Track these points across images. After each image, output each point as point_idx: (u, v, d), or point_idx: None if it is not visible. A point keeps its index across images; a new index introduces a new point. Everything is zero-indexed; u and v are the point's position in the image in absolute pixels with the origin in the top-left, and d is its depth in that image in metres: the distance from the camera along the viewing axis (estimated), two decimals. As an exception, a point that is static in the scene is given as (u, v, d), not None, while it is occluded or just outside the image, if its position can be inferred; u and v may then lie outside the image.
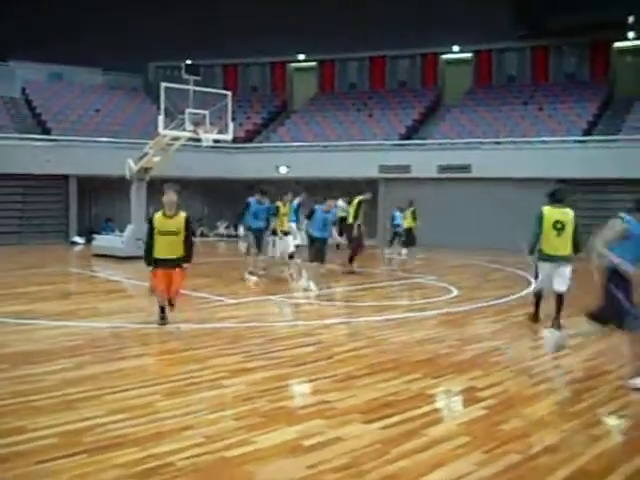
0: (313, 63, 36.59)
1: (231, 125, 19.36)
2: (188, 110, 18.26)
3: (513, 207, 22.95)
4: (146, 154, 19.26)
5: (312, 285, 13.30)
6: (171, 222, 9.34)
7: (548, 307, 10.25)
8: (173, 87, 18.92)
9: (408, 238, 20.31)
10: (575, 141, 25.83)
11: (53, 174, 25.45)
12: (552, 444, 5.27)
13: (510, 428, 5.60)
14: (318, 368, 7.37)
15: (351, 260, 16.74)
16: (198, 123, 18.46)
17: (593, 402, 6.38)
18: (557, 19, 29.68)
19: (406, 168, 26.55)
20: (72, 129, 27.73)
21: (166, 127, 18.21)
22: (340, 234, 16.05)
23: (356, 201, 17.47)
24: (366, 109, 32.76)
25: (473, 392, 6.63)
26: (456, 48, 33.55)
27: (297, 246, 16.97)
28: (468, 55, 33.93)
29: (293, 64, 36.93)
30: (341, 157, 27.87)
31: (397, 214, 21.39)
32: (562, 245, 9.75)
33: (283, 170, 28.46)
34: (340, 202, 22.58)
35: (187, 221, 9.42)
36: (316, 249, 13.68)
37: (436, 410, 6.03)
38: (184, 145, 20.06)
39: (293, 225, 18.57)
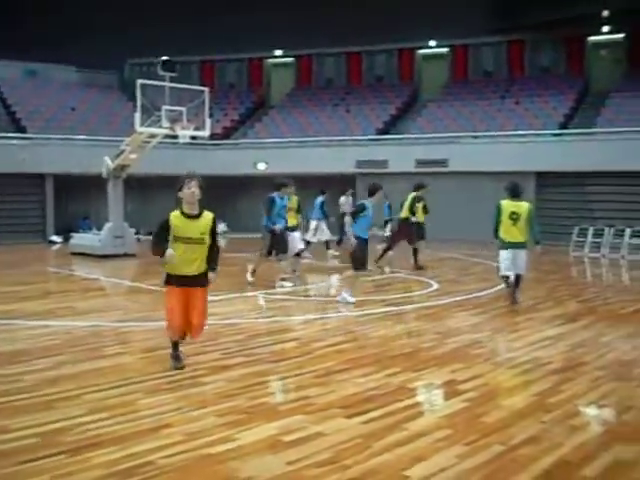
0: (290, 59, 36.55)
1: (208, 121, 19.27)
2: (165, 107, 18.15)
3: (491, 200, 22.87)
4: (123, 152, 19.13)
5: (349, 297, 11.31)
6: (194, 225, 6.93)
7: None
8: (149, 84, 18.81)
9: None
10: (552, 134, 26.01)
11: (29, 173, 25.22)
12: (532, 435, 5.30)
13: (491, 420, 5.62)
14: (298, 364, 7.35)
15: (381, 256, 16.23)
16: (175, 120, 18.36)
17: (573, 393, 6.42)
18: (532, 13, 29.81)
19: (383, 163, 26.61)
20: (48, 127, 27.49)
21: (143, 124, 18.09)
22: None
23: (410, 197, 16.68)
24: (343, 104, 32.79)
25: (454, 385, 6.66)
26: (432, 43, 33.65)
27: (308, 242, 17.56)
28: (444, 50, 34.04)
29: (270, 60, 36.87)
30: (319, 152, 27.85)
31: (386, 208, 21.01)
32: (517, 233, 11.13)
33: (261, 166, 28.41)
34: (342, 198, 22.59)
35: (214, 223, 7.11)
36: (362, 253, 11.44)
37: (417, 404, 6.05)
38: (161, 142, 19.94)
39: (314, 222, 19.29)
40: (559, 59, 32.03)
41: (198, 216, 7.00)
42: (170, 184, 25.43)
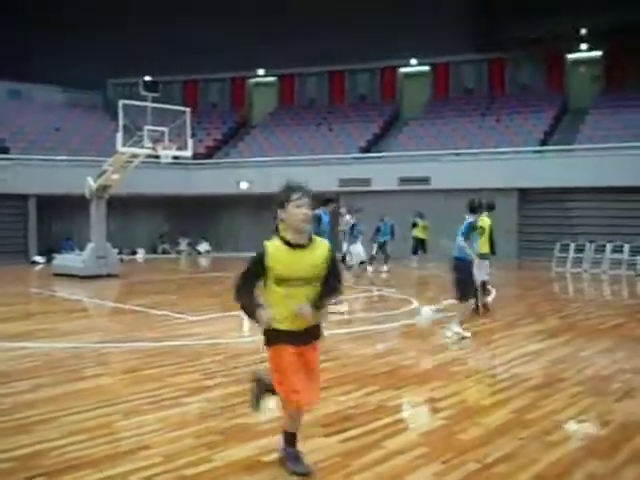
0: (272, 78, 36.72)
1: (190, 142, 19.33)
2: (147, 127, 18.21)
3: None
4: (105, 172, 19.15)
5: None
6: (305, 259, 4.72)
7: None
8: (131, 104, 18.86)
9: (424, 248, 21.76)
10: (532, 151, 26.23)
11: (12, 193, 25.18)
12: (509, 452, 5.33)
13: (468, 437, 5.65)
14: (279, 383, 7.36)
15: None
16: (157, 140, 18.43)
17: (551, 409, 6.46)
18: (512, 32, 30.18)
19: (366, 181, 26.74)
20: (31, 147, 27.49)
21: (125, 144, 18.13)
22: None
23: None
24: (326, 123, 32.96)
25: (432, 403, 6.69)
26: (414, 62, 33.91)
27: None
28: (426, 68, 34.32)
29: (252, 79, 37.02)
30: (302, 171, 27.73)
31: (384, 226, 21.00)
32: (482, 245, 11.98)
33: (244, 186, 28.47)
34: (347, 217, 22.67)
35: (332, 254, 4.92)
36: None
37: (395, 422, 6.06)
38: (143, 162, 19.98)
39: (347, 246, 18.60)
40: (539, 77, 32.39)
41: (309, 246, 4.72)
42: (153, 204, 25.68)
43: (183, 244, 30.33)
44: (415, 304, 13.59)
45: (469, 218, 10.79)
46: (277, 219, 4.80)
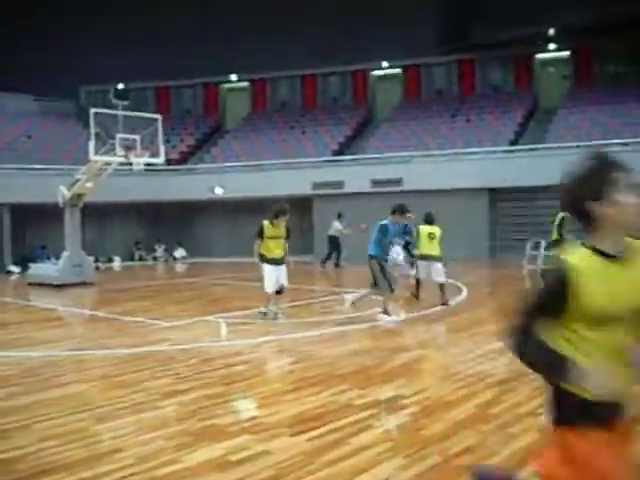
0: (245, 83, 36.85)
1: (162, 148, 19.44)
2: (119, 135, 18.30)
3: (446, 218, 23.38)
4: (78, 180, 19.20)
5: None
6: (628, 278, 2.80)
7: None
8: (103, 112, 18.94)
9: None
10: (502, 151, 26.57)
11: (-15, 203, 25.15)
12: (471, 445, 5.52)
13: (431, 432, 5.84)
14: (248, 386, 7.54)
15: None
16: (129, 148, 18.51)
17: (512, 403, 6.66)
18: (481, 33, 30.53)
19: (339, 184, 26.95)
20: (3, 156, 27.39)
21: (97, 152, 18.20)
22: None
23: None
24: (299, 127, 33.14)
25: (398, 400, 6.88)
26: (385, 64, 34.18)
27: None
28: (397, 71, 34.61)
29: (225, 85, 37.13)
30: (275, 175, 28.12)
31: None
32: (433, 249, 13.90)
33: (218, 191, 28.59)
34: (336, 222, 22.94)
35: None
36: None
37: (361, 420, 6.23)
38: (117, 169, 20.05)
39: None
40: (508, 77, 32.81)
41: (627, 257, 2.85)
42: (128, 211, 25.66)
43: (159, 250, 30.39)
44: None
45: (385, 220, 12.10)
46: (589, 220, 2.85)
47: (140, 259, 29.80)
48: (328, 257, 23.20)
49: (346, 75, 35.34)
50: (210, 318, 12.58)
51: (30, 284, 19.91)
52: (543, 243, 22.13)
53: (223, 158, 31.18)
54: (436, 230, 14.17)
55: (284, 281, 11.90)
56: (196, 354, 9.33)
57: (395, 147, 28.53)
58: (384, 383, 7.54)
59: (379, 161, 27.45)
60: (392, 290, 12.17)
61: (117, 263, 28.80)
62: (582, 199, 2.87)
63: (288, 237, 12.19)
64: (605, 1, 26.81)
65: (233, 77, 36.36)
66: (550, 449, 2.94)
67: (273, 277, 11.72)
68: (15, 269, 25.26)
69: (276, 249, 11.82)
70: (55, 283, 19.13)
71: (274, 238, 11.78)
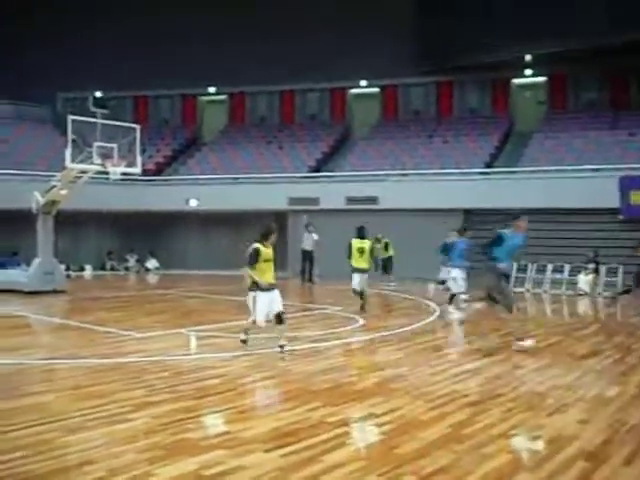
0: (223, 96, 36.83)
1: (139, 159, 19.35)
2: (96, 143, 18.18)
3: (420, 237, 23.59)
4: (53, 187, 19.04)
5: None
6: None
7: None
8: (80, 120, 18.81)
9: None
10: (478, 173, 26.78)
11: (-44, 207, 24.80)
12: (445, 464, 5.53)
13: (405, 451, 5.85)
14: (222, 400, 7.49)
15: None
16: (106, 156, 18.39)
17: (486, 423, 6.69)
18: (460, 57, 30.80)
19: (315, 200, 26.99)
20: (-24, 161, 27.12)
21: (74, 160, 18.07)
22: None
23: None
24: (276, 142, 33.18)
25: (372, 418, 6.88)
26: (364, 83, 34.35)
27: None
28: (375, 90, 34.78)
29: (204, 97, 37.08)
30: (251, 189, 28.11)
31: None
32: (363, 262, 15.41)
33: (193, 203, 28.51)
34: (314, 235, 22.92)
35: None
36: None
37: (335, 437, 6.22)
38: (92, 178, 19.92)
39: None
40: (485, 100, 33.10)
41: None
42: (101, 220, 25.45)
43: (131, 261, 30.17)
44: (360, 322, 13.82)
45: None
46: None
47: (112, 269, 29.57)
48: (309, 271, 23.24)
49: (325, 92, 35.43)
50: (183, 331, 12.51)
51: (0, 290, 19.64)
52: (515, 266, 22.31)
53: (199, 170, 31.10)
54: (366, 244, 15.49)
55: (280, 306, 10.41)
56: (169, 367, 9.26)
57: (371, 165, 28.64)
58: (358, 401, 7.53)
59: (355, 179, 27.53)
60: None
61: (88, 272, 28.56)
62: None
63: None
64: (580, 30, 27.19)
65: (212, 89, 36.31)
66: None
67: (267, 306, 10.35)
68: (-16, 275, 24.91)
69: (269, 273, 10.56)
70: (25, 290, 18.91)
71: (268, 261, 10.59)
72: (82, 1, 33.82)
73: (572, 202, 23.56)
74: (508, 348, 11.09)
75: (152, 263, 30.12)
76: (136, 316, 15.03)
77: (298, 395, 7.71)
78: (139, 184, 28.41)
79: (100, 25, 33.69)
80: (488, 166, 27.79)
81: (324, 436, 6.21)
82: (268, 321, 10.41)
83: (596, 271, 21.01)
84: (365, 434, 6.54)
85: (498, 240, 11.25)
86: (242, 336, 10.77)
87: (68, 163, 18.09)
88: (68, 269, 24.67)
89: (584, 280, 21.12)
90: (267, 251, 10.56)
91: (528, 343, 10.89)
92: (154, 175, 31.09)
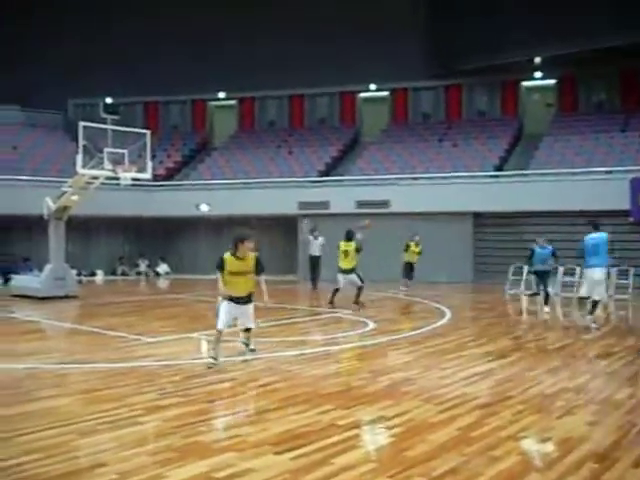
0: (233, 101, 36.94)
1: (150, 164, 19.44)
2: (107, 149, 18.29)
3: (430, 241, 23.57)
4: (64, 193, 19.15)
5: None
6: None
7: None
8: (91, 126, 18.93)
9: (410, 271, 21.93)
10: (488, 176, 26.76)
11: (-31, 213, 24.95)
12: (454, 466, 5.56)
13: (415, 454, 5.87)
14: (232, 403, 7.54)
15: None
16: (117, 162, 18.49)
17: (495, 425, 6.71)
18: (469, 59, 30.80)
19: (325, 204, 27.02)
20: (-12, 167, 27.26)
21: (85, 166, 18.18)
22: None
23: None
24: (286, 146, 33.23)
25: (382, 421, 6.90)
26: (373, 87, 34.37)
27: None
28: (385, 94, 34.80)
29: (213, 102, 37.20)
30: (261, 194, 28.16)
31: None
32: (347, 263, 16.70)
33: (204, 208, 28.57)
34: (320, 239, 22.83)
35: None
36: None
37: (345, 440, 6.25)
38: (104, 184, 20.02)
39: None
40: (494, 103, 33.04)
41: None
42: (112, 225, 25.55)
43: (142, 266, 30.26)
44: (371, 325, 13.85)
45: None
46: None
47: (123, 274, 29.66)
48: (315, 277, 23.05)
49: (334, 96, 35.45)
50: (194, 335, 12.56)
51: (13, 296, 19.77)
52: (525, 268, 22.27)
53: (209, 175, 31.19)
54: (350, 246, 16.65)
55: (250, 324, 9.90)
56: (180, 371, 9.31)
57: (381, 169, 28.67)
58: (368, 404, 7.55)
59: (365, 182, 27.56)
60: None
61: (100, 277, 28.66)
62: None
63: (260, 271, 9.73)
64: (588, 31, 27.14)
65: (221, 94, 36.41)
66: None
67: (230, 315, 9.61)
68: (-2, 280, 25.08)
69: (239, 287, 9.50)
70: (37, 295, 19.02)
71: (237, 274, 9.47)
72: (94, 5, 33.96)
73: (582, 204, 23.49)
74: (520, 350, 11.11)
75: (163, 268, 30.20)
76: (147, 321, 15.10)
77: (308, 398, 7.74)
78: (150, 189, 28.53)
79: (111, 30, 33.83)
80: (498, 169, 27.76)
81: (334, 439, 6.24)
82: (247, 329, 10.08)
83: (607, 274, 20.91)
84: (375, 437, 6.57)
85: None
86: (210, 353, 9.76)
87: (79, 169, 18.18)
88: (79, 274, 24.77)
89: (595, 283, 21.04)
90: (236, 263, 9.43)
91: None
92: (164, 180, 31.19)
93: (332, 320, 15.23)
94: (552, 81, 32.04)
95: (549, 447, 6.18)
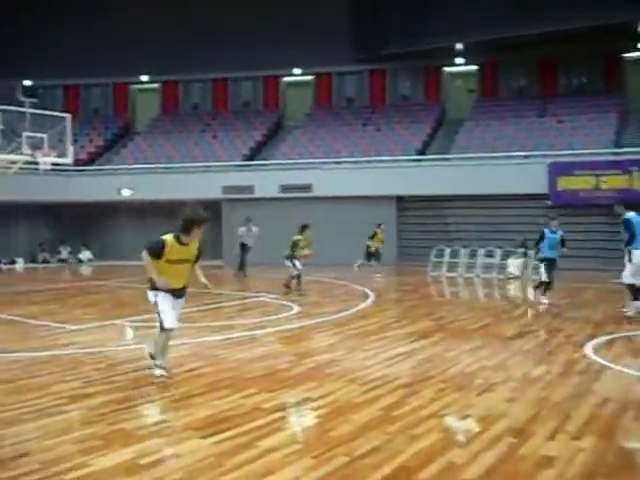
0: (156, 84, 36.43)
1: (71, 148, 19.13)
2: (25, 133, 17.87)
3: (355, 224, 23.87)
4: (-20, 179, 18.67)
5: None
6: None
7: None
8: (9, 110, 18.46)
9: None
10: (410, 160, 27.15)
11: None
12: (376, 445, 5.69)
13: (339, 434, 5.99)
14: (157, 389, 7.53)
15: None
16: (36, 146, 18.11)
17: (417, 404, 6.89)
18: (392, 45, 31.10)
19: (249, 188, 27.01)
20: None
21: (2, 150, 17.73)
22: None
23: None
24: (210, 130, 33.00)
25: (307, 403, 7.01)
26: (297, 71, 34.38)
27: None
28: (309, 78, 34.86)
29: (136, 85, 36.62)
30: (185, 179, 27.94)
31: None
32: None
33: (126, 192, 28.19)
34: (255, 229, 22.51)
35: None
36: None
37: (270, 422, 6.33)
38: (23, 168, 19.56)
39: None
40: (418, 88, 33.50)
41: None
42: (33, 211, 25.02)
43: (64, 252, 29.70)
44: (295, 309, 13.96)
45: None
46: None
47: (44, 261, 29.06)
48: (244, 264, 22.84)
49: (258, 80, 35.35)
50: (118, 322, 12.45)
51: None
52: (447, 251, 22.75)
53: (132, 159, 30.76)
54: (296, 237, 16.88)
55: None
56: (104, 358, 9.24)
57: (305, 153, 28.78)
58: (293, 386, 7.65)
59: (289, 167, 27.64)
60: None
61: (20, 265, 28.02)
62: None
63: (197, 259, 8.07)
64: (509, 19, 27.72)
65: (144, 78, 35.87)
66: None
67: (173, 309, 7.84)
68: None
69: (177, 277, 7.79)
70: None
71: (178, 262, 7.73)
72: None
73: (503, 188, 24.11)
74: (441, 331, 11.39)
75: (85, 255, 29.70)
76: (70, 308, 14.87)
77: (232, 383, 7.79)
78: (71, 174, 27.97)
79: (32, 11, 32.91)
80: (421, 153, 28.19)
81: (259, 422, 6.31)
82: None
83: (525, 255, 21.55)
84: (300, 418, 6.68)
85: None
86: (157, 362, 7.93)
87: (-4, 154, 17.74)
88: (-1, 262, 24.17)
89: (514, 264, 21.67)
90: (179, 250, 7.67)
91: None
92: (86, 165, 30.63)
93: (257, 304, 15.29)
94: (474, 67, 32.65)
95: (469, 424, 6.38)
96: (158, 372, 7.85)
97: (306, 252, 16.91)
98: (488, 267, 22.13)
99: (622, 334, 11.06)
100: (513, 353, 9.66)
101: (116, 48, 32.72)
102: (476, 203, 24.69)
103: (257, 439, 5.83)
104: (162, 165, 29.20)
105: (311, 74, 34.66)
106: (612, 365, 8.71)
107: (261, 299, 15.94)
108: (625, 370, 8.46)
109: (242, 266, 22.53)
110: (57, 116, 19.46)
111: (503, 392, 7.42)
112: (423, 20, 30.00)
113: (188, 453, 5.49)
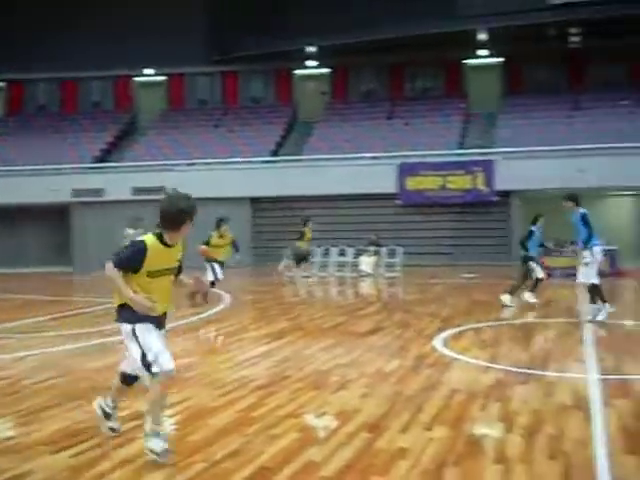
0: (1, 83, 34.84)
1: None
2: None
3: (207, 226, 23.60)
4: None
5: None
6: None
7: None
8: None
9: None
10: (263, 161, 27.29)
11: None
12: (236, 448, 5.69)
13: (196, 439, 5.95)
14: (5, 404, 7.21)
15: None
16: None
17: (275, 405, 6.94)
18: (244, 47, 31.16)
19: (100, 191, 26.31)
20: None
21: None
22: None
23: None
24: (59, 132, 32.00)
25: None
26: (150, 71, 33.78)
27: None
28: (162, 78, 34.34)
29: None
30: (32, 181, 26.87)
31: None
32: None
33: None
34: (130, 231, 21.30)
35: None
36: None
37: (125, 432, 6.19)
38: None
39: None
40: (269, 90, 33.72)
41: None
42: None
43: None
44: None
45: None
46: None
47: None
48: None
49: (108, 80, 34.44)
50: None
51: None
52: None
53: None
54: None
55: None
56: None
57: (158, 155, 28.35)
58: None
59: (142, 169, 27.14)
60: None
61: None
62: None
63: (180, 269, 5.89)
64: (360, 24, 28.38)
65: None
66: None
67: (159, 341, 5.73)
68: None
69: (161, 297, 5.67)
70: None
71: (161, 274, 5.59)
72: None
73: (354, 188, 24.66)
74: (297, 330, 11.53)
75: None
76: None
77: (86, 393, 7.55)
78: None
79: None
80: (274, 155, 28.40)
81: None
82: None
83: (377, 253, 22.15)
84: (156, 426, 6.57)
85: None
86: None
87: None
88: None
89: (366, 262, 22.23)
90: (162, 254, 5.49)
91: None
92: None
93: (113, 312, 14.88)
94: (326, 70, 33.19)
95: (325, 421, 6.50)
96: (159, 447, 5.43)
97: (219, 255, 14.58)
98: (341, 265, 22.57)
99: (469, 326, 11.60)
100: (367, 349, 9.92)
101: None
102: (329, 203, 25.15)
103: (112, 450, 5.69)
104: (7, 168, 27.86)
105: (163, 74, 34.14)
106: (460, 357, 9.12)
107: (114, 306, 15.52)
108: (472, 361, 8.87)
109: None
110: None
111: (358, 388, 7.60)
112: (277, 23, 30.26)
113: (43, 469, 5.28)
